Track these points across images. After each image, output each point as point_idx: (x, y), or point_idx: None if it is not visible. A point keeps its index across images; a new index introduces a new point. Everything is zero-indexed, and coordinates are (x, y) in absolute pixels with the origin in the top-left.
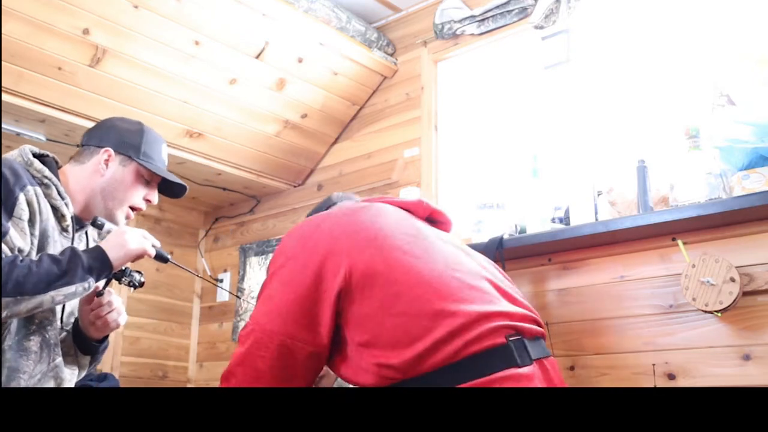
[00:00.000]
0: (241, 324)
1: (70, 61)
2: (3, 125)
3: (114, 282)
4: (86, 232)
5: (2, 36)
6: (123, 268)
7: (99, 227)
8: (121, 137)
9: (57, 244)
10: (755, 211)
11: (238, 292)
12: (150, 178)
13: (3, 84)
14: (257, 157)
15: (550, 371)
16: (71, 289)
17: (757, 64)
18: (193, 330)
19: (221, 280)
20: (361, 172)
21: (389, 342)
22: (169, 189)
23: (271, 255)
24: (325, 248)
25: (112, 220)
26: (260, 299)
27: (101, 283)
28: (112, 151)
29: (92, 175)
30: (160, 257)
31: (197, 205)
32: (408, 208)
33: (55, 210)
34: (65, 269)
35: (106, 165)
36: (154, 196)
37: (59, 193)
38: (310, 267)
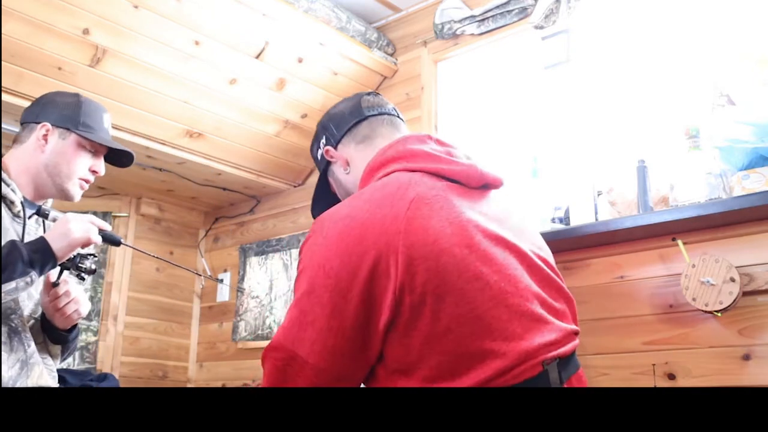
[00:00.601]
0: (242, 324)
1: (70, 61)
2: (3, 125)
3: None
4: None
5: (2, 36)
6: (72, 256)
7: (44, 216)
8: (58, 110)
9: (9, 232)
10: (755, 211)
11: (237, 291)
12: (93, 149)
13: (3, 84)
14: (257, 157)
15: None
16: (11, 285)
17: (757, 64)
18: (193, 330)
19: (221, 280)
20: None
21: (429, 376)
22: (117, 159)
23: (271, 255)
24: (373, 260)
25: (65, 194)
26: (296, 317)
27: (54, 273)
28: (49, 125)
29: (34, 152)
30: (110, 241)
31: (197, 205)
32: (459, 179)
33: (3, 198)
34: (4, 264)
35: (45, 140)
36: (100, 167)
37: (2, 180)
38: (355, 287)
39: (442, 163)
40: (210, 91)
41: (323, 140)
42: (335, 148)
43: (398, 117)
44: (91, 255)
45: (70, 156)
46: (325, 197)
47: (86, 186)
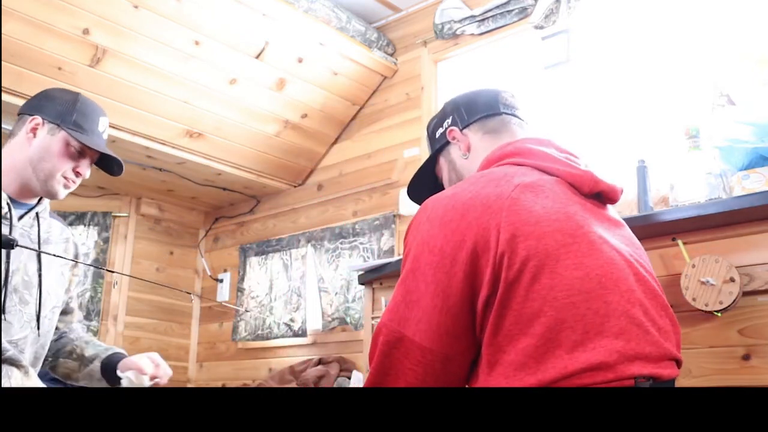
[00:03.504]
0: (242, 324)
1: (70, 61)
2: (3, 125)
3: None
4: (37, 213)
5: (2, 36)
6: None
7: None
8: (52, 105)
9: None
10: (755, 211)
11: (237, 291)
12: (80, 149)
13: (3, 84)
14: (257, 157)
15: None
16: None
17: (757, 64)
18: (193, 330)
19: (221, 280)
20: (361, 172)
21: (516, 362)
22: (107, 165)
23: (271, 255)
24: (475, 235)
25: (49, 192)
26: (401, 296)
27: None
28: (40, 119)
29: (22, 146)
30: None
31: (197, 205)
32: (573, 181)
33: None
34: None
35: (34, 134)
36: (85, 170)
37: None
38: (458, 263)
39: (557, 164)
40: (210, 91)
41: (449, 120)
42: (461, 131)
43: (527, 124)
44: None
45: (55, 153)
46: (425, 179)
47: (71, 186)
